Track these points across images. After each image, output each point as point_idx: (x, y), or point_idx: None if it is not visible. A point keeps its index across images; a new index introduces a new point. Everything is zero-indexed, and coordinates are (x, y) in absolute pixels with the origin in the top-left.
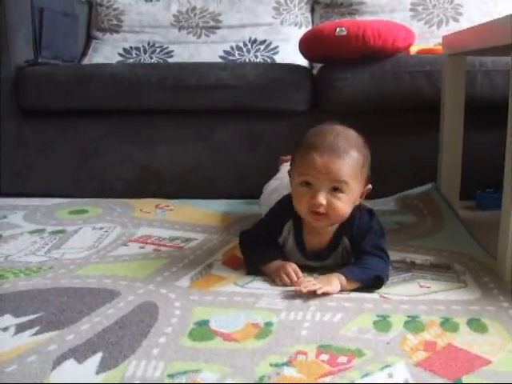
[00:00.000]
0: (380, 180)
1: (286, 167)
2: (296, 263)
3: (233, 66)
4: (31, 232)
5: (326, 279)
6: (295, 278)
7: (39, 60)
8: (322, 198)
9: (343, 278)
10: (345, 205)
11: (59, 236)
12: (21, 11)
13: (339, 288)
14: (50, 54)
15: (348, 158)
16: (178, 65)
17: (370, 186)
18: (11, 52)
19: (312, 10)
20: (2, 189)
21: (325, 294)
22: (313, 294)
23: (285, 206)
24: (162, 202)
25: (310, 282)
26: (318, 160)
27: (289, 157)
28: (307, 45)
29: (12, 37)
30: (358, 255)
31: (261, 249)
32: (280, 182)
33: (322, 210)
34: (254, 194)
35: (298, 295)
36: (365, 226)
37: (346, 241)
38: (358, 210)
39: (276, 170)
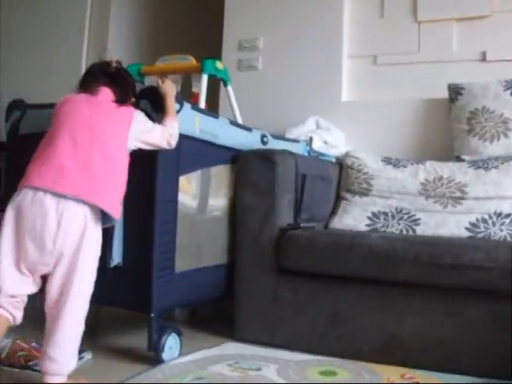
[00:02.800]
0: None
1: None
2: None
3: (487, 249)
4: None
5: None
6: None
7: (299, 223)
8: None
9: None
10: None
11: None
12: (287, 178)
13: None
14: (306, 217)
15: None
16: (433, 242)
17: None
18: (277, 215)
19: None
20: (253, 337)
21: None
22: None
23: None
24: (407, 371)
25: None
26: None
27: None
28: None
29: (278, 201)
30: None
31: None
32: None
33: None
34: (498, 375)
35: None
36: None
37: None
38: None
39: None
